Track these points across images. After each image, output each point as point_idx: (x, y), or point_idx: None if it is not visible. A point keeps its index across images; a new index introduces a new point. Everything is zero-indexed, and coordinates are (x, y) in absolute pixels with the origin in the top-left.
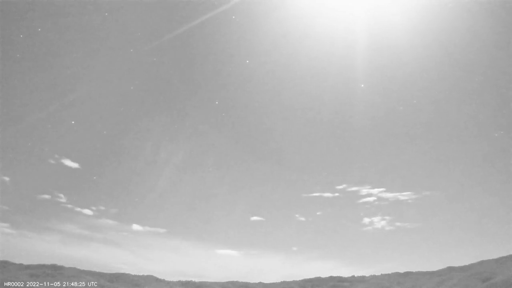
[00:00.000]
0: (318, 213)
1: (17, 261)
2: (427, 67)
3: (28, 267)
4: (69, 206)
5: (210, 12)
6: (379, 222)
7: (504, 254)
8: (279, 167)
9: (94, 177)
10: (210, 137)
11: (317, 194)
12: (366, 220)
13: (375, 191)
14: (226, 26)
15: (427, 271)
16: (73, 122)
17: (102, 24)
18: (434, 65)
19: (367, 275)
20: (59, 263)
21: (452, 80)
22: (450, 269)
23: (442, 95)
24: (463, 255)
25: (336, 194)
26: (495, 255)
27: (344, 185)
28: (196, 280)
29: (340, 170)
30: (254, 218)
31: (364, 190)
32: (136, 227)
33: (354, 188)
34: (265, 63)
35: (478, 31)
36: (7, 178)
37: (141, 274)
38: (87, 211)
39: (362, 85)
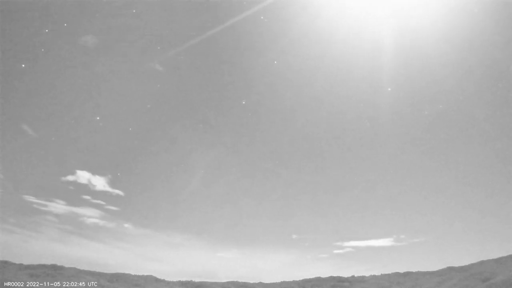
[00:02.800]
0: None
1: (17, 261)
2: (454, 71)
3: (28, 267)
4: (71, 204)
5: (239, 14)
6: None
7: (504, 254)
8: (297, 171)
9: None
10: (234, 137)
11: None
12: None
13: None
14: (255, 27)
15: (427, 271)
16: (98, 118)
17: (130, 22)
18: (462, 69)
19: (367, 275)
20: (59, 263)
21: (480, 85)
22: (450, 269)
23: (469, 100)
24: (463, 255)
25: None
26: (495, 255)
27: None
28: (196, 280)
29: (362, 178)
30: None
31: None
32: (137, 227)
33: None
34: (293, 64)
35: (508, 34)
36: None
37: (141, 274)
38: (90, 210)
39: (389, 89)
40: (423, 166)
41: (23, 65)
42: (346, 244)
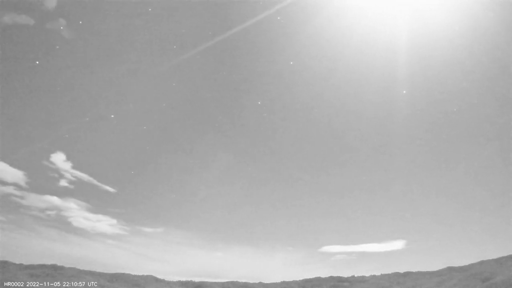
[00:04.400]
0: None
1: (17, 261)
2: (469, 74)
3: (28, 267)
4: (71, 203)
5: (256, 15)
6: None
7: (504, 254)
8: (307, 172)
9: (132, 172)
10: (247, 137)
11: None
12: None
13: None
14: (271, 28)
15: (427, 271)
16: (112, 116)
17: (146, 21)
18: (477, 72)
19: (367, 275)
20: (59, 263)
21: (495, 88)
22: (450, 269)
23: (486, 103)
24: (463, 255)
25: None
26: (495, 255)
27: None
28: (196, 280)
29: (378, 181)
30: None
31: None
32: (137, 227)
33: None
34: (308, 65)
35: None
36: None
37: (141, 274)
38: (89, 210)
39: (404, 91)
40: (428, 167)
41: (37, 62)
42: (350, 248)
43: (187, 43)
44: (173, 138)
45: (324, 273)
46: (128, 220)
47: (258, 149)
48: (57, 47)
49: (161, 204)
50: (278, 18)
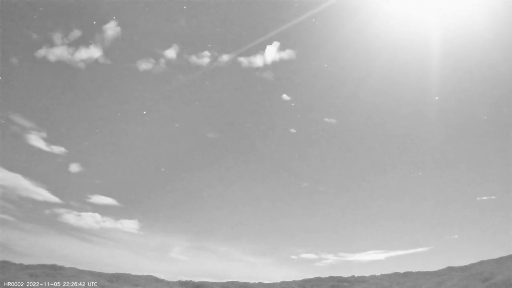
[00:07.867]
0: None
1: (17, 261)
2: (502, 81)
3: (28, 267)
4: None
5: (292, 18)
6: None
7: (504, 254)
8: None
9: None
10: (278, 139)
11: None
12: None
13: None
14: (306, 31)
15: (427, 271)
16: (144, 112)
17: (180, 22)
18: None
19: (367, 275)
20: (59, 263)
21: None
22: (450, 269)
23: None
24: (463, 255)
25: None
26: (495, 255)
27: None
28: (196, 280)
29: (405, 189)
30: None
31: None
32: (137, 227)
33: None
34: (343, 68)
35: None
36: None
37: (141, 274)
38: (89, 211)
39: (436, 98)
40: (450, 173)
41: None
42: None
43: (221, 43)
44: (203, 137)
45: (324, 273)
46: (131, 220)
47: (284, 150)
48: (90, 41)
49: (163, 204)
50: (313, 20)
